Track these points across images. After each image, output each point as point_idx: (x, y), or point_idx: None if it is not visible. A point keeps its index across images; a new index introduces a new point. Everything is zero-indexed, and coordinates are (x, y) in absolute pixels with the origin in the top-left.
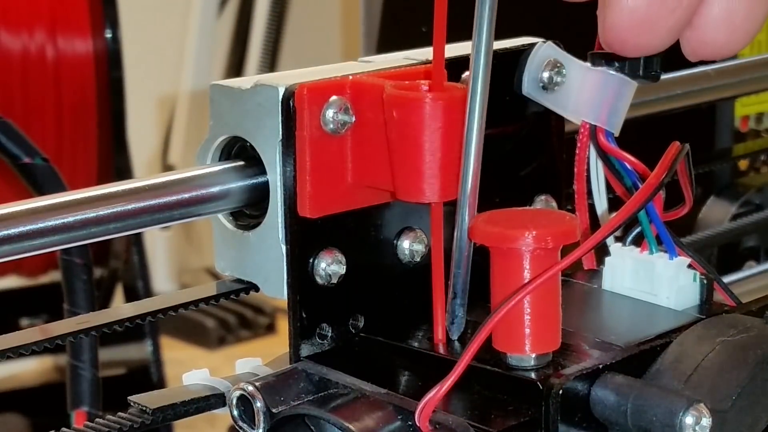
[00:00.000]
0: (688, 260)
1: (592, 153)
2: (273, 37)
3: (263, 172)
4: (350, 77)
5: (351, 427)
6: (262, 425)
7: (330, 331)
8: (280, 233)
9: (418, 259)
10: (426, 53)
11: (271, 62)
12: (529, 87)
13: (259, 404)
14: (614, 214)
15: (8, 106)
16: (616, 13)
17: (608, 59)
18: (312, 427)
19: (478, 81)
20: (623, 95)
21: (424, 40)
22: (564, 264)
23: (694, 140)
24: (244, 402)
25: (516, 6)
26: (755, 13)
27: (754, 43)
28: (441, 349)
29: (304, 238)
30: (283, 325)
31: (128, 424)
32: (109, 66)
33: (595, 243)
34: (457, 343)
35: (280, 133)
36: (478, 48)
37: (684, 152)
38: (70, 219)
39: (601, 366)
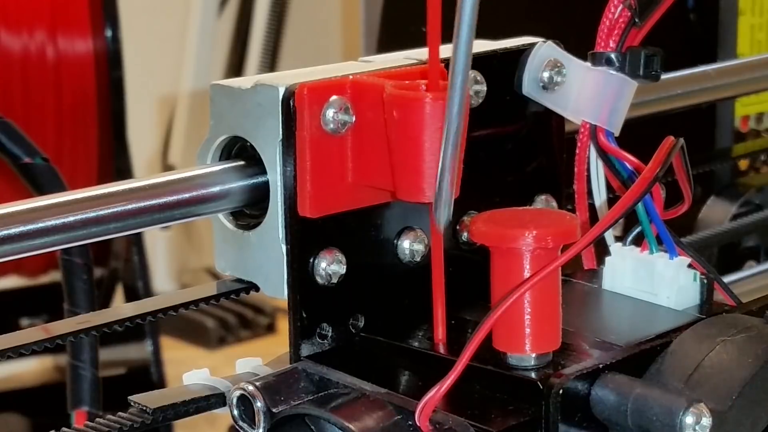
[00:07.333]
0: (688, 260)
1: (592, 153)
2: (273, 37)
3: (263, 171)
4: (350, 77)
5: (351, 426)
6: (262, 425)
7: (330, 331)
8: (280, 233)
9: (418, 259)
10: (426, 53)
11: (271, 62)
12: (529, 87)
13: (259, 404)
14: (611, 209)
15: (8, 106)
16: None
17: (608, 59)
18: (312, 427)
19: (457, 83)
20: (623, 95)
21: (424, 40)
22: (562, 260)
23: (694, 140)
24: (245, 402)
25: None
26: None
27: (754, 43)
28: (441, 349)
29: (304, 238)
30: (283, 325)
31: (128, 424)
32: (109, 66)
33: (593, 238)
34: (457, 343)
35: (280, 133)
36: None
37: (678, 146)
38: (70, 219)
39: (601, 366)
